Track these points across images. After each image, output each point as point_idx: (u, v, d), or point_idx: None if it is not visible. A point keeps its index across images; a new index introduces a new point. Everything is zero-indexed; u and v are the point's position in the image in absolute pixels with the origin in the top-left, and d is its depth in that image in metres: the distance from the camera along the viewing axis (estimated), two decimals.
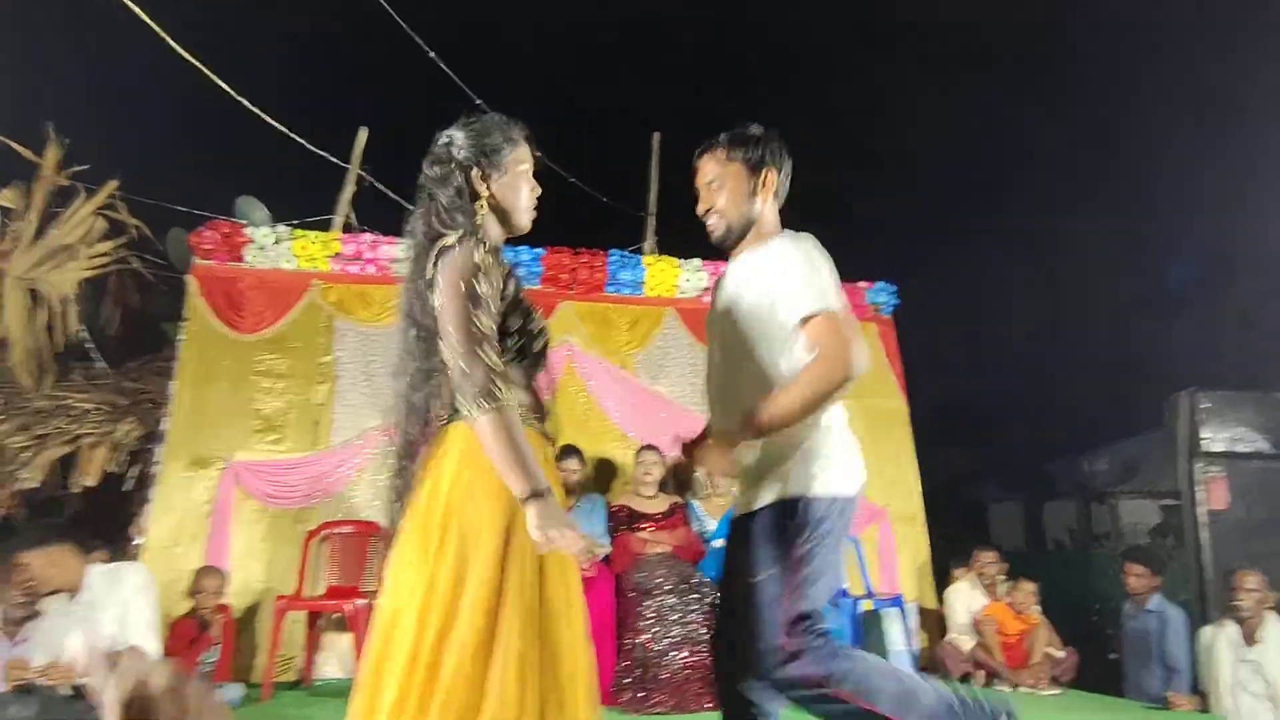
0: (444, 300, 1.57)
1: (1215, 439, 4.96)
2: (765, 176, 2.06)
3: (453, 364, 1.56)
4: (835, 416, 2.02)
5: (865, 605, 4.87)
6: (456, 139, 1.78)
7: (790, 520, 1.91)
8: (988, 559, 5.07)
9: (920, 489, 5.68)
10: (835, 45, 9.13)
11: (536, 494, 1.47)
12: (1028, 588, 4.90)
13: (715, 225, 2.11)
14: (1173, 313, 8.88)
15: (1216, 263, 8.77)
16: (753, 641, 1.88)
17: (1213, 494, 4.86)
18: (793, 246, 1.98)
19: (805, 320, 1.87)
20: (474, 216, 1.75)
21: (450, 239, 1.64)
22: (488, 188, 1.77)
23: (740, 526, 2.06)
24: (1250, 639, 4.14)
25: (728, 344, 2.08)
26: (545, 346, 1.79)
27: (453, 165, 1.76)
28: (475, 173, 1.76)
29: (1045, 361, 9.52)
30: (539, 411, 1.76)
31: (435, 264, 1.62)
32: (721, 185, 2.07)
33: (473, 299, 1.56)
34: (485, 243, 1.66)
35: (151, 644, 3.31)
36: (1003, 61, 9.03)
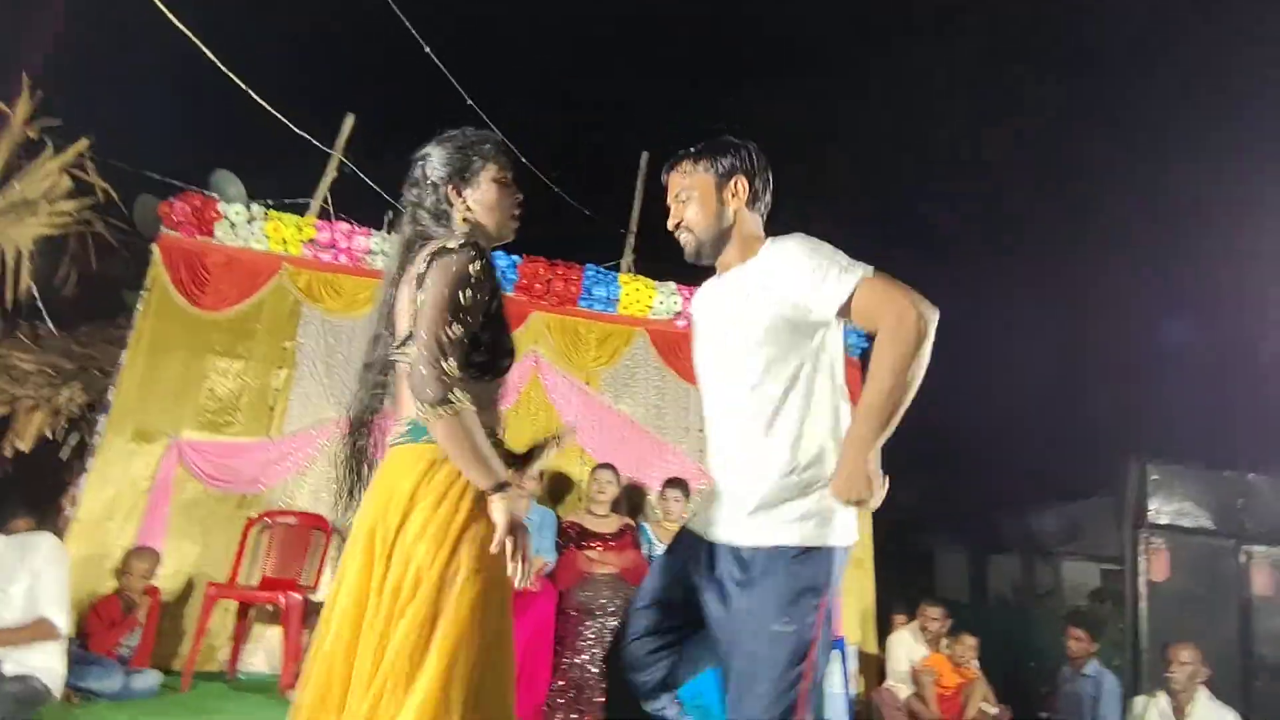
0: (428, 301, 1.58)
1: (1161, 511, 5.03)
2: (734, 184, 1.96)
3: (413, 367, 1.57)
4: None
5: None
6: (431, 157, 1.82)
7: (814, 570, 1.72)
8: (933, 614, 5.09)
9: (871, 533, 5.69)
10: (840, 75, 9.22)
11: (500, 485, 1.57)
12: (969, 642, 4.92)
13: (685, 240, 2.01)
14: (1134, 379, 9.06)
15: (1183, 337, 8.97)
16: (751, 695, 1.68)
17: (1154, 565, 4.93)
18: (791, 243, 1.83)
19: (847, 301, 1.71)
20: (464, 217, 1.80)
21: (452, 241, 1.65)
22: (464, 203, 1.81)
23: (730, 552, 1.80)
24: (1180, 712, 4.19)
25: (740, 369, 1.85)
26: (510, 365, 1.78)
27: (428, 184, 1.80)
28: (449, 189, 1.80)
29: (1003, 413, 9.65)
30: (493, 433, 1.72)
31: (430, 261, 1.63)
32: (689, 197, 1.98)
33: (454, 309, 1.57)
34: (485, 253, 1.66)
35: (60, 618, 3.19)
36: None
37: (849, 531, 1.80)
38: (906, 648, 5.07)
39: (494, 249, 1.94)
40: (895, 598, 5.72)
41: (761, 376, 1.81)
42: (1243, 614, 5.12)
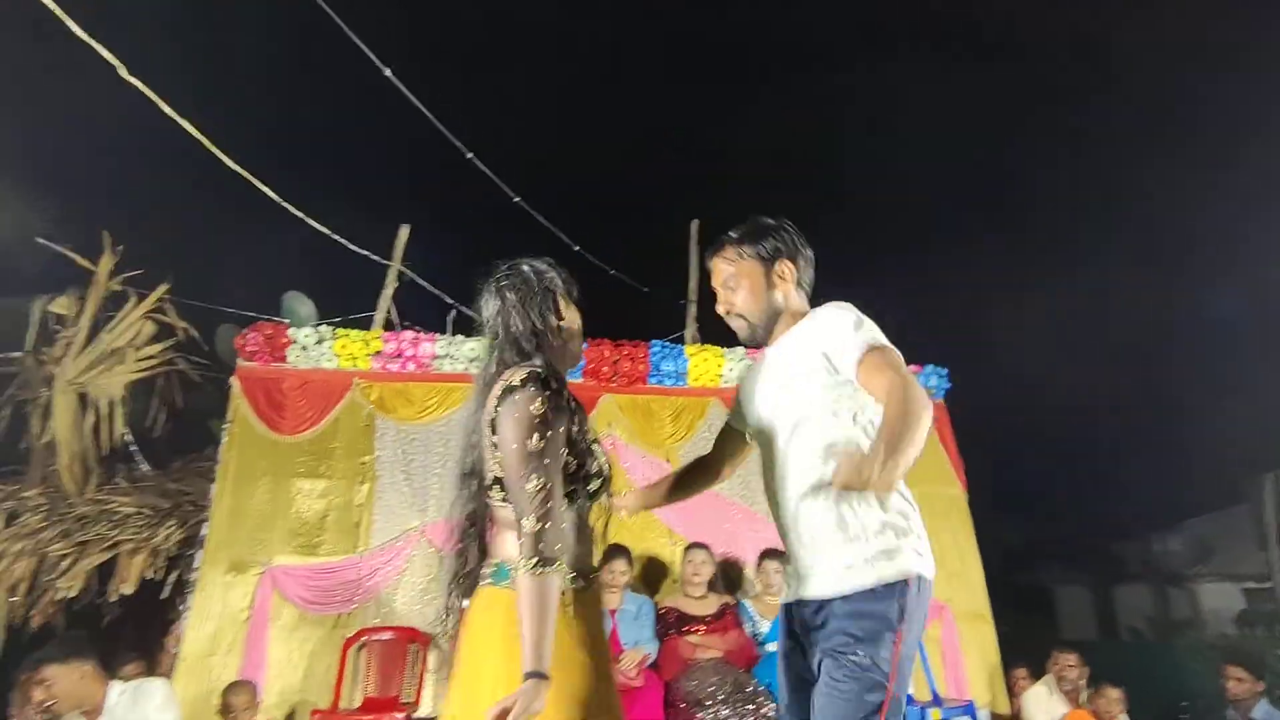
0: (508, 450, 1.59)
1: None
2: (780, 268, 1.99)
3: (516, 516, 1.58)
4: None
5: (933, 715, 4.53)
6: (536, 266, 1.82)
7: (886, 605, 1.74)
8: (1068, 662, 4.69)
9: (984, 582, 5.35)
10: (877, 135, 9.16)
11: (539, 675, 1.50)
12: (1113, 694, 4.52)
13: (739, 326, 2.05)
14: (1231, 390, 8.52)
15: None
16: None
17: None
18: (833, 310, 1.91)
19: (859, 361, 1.78)
20: (550, 343, 1.78)
21: (515, 378, 1.64)
22: (566, 315, 1.83)
23: (809, 607, 1.86)
24: None
25: (784, 424, 1.94)
26: (602, 487, 1.76)
27: (538, 290, 1.79)
28: (560, 299, 1.81)
29: (1102, 437, 9.17)
30: (586, 567, 1.71)
31: (500, 403, 1.63)
32: (737, 284, 2.01)
33: (538, 453, 1.57)
34: (550, 382, 1.65)
35: None
36: (1061, 119, 8.95)
37: (920, 563, 1.78)
38: (1044, 705, 4.68)
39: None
40: (1017, 645, 5.34)
41: (810, 430, 1.86)
42: None
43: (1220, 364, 9.04)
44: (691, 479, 2.33)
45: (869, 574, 1.74)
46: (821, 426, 1.85)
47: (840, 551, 1.78)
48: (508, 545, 1.67)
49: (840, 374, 1.83)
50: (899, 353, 1.82)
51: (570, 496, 1.67)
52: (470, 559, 1.72)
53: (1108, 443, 9.07)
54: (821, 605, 1.80)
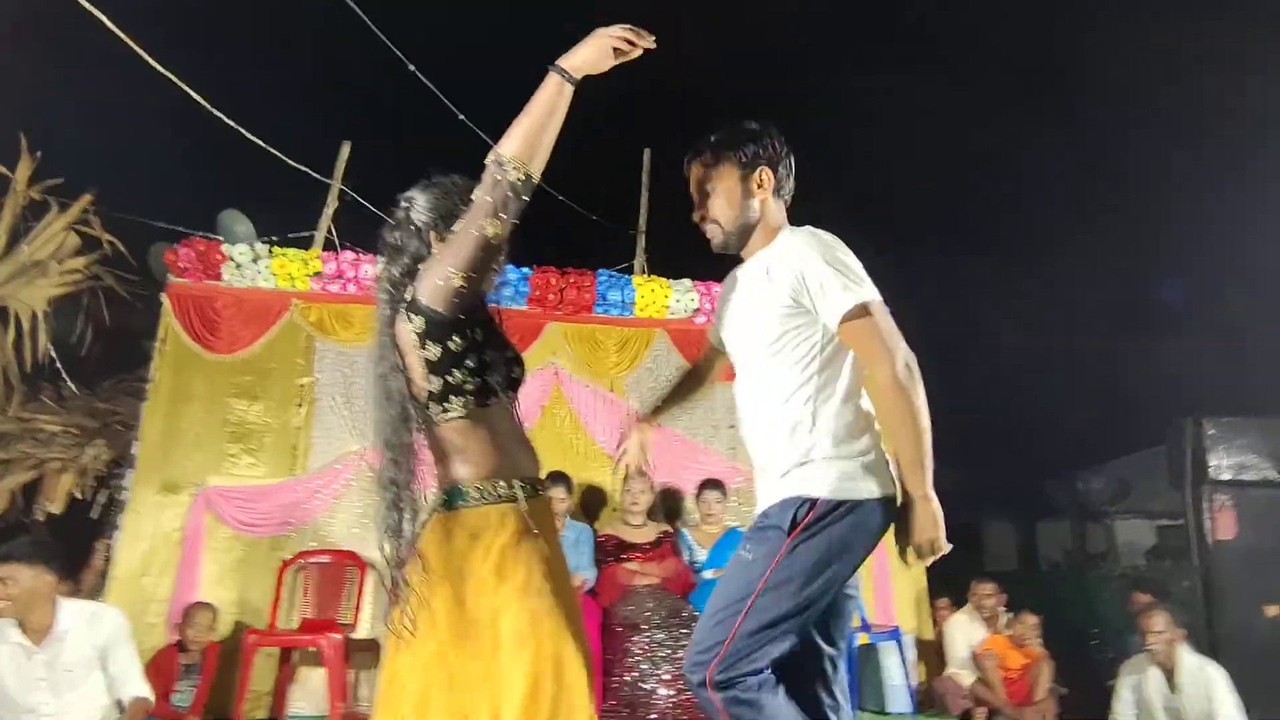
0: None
1: (1222, 466, 4.81)
2: (760, 175, 1.92)
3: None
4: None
5: (861, 639, 4.71)
6: (416, 202, 1.72)
7: (788, 514, 1.77)
8: (985, 591, 4.92)
9: None
10: (830, 64, 9.03)
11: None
12: (1029, 620, 4.75)
13: (712, 232, 1.97)
14: (1162, 333, 8.82)
15: (1209, 285, 8.71)
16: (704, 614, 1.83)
17: (1220, 523, 4.72)
18: (809, 237, 1.86)
19: (843, 319, 1.75)
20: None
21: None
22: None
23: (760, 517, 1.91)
24: (1171, 676, 4.05)
25: (750, 359, 1.93)
26: (522, 372, 1.76)
27: (411, 228, 1.71)
28: (433, 235, 1.71)
29: (1034, 379, 9.45)
30: (533, 476, 1.72)
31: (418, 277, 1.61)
32: (714, 189, 1.93)
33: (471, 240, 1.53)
34: None
35: (147, 690, 3.12)
36: (1001, 78, 8.96)
37: (842, 487, 1.77)
38: (964, 631, 4.90)
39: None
40: (944, 579, 5.55)
41: (776, 353, 1.84)
42: None
43: (1150, 315, 9.33)
44: (685, 391, 2.29)
45: (799, 486, 1.80)
46: (774, 370, 1.86)
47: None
48: (453, 469, 1.63)
49: (804, 308, 1.80)
50: (887, 311, 1.80)
51: (488, 387, 1.64)
52: (403, 489, 1.62)
53: (1042, 390, 9.35)
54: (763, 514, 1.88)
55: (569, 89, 1.50)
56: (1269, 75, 7.22)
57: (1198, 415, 4.91)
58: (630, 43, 1.55)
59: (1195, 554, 4.82)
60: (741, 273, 2.00)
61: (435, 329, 1.58)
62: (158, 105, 5.66)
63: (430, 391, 1.61)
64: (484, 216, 1.47)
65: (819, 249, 1.81)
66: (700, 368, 2.30)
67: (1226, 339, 8.22)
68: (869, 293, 1.77)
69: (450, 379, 1.60)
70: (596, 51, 1.53)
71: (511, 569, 1.56)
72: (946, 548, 1.74)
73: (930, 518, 1.72)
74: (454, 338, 1.59)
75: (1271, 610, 4.35)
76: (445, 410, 1.62)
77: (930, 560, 1.76)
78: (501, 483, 1.62)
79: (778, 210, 1.96)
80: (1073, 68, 8.91)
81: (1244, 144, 7.68)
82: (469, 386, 1.61)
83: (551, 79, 1.50)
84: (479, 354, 1.62)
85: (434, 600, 1.53)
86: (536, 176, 1.49)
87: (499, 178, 1.46)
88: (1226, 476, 4.81)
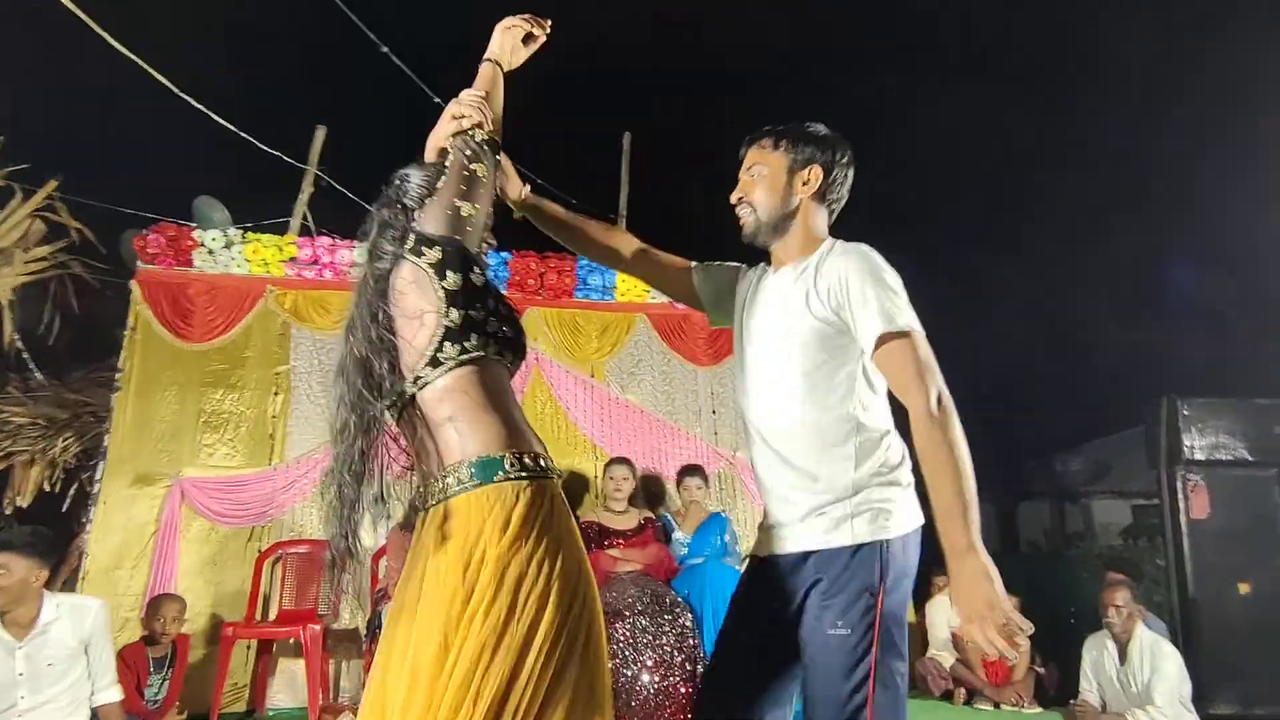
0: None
1: (1196, 446, 4.86)
2: (809, 172, 1.87)
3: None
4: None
5: None
6: (410, 178, 1.63)
7: (868, 568, 1.63)
8: None
9: None
10: (826, 55, 8.97)
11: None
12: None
13: (745, 215, 1.91)
14: (1140, 316, 8.90)
15: (1187, 268, 8.79)
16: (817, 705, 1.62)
17: (1194, 503, 4.77)
18: (862, 255, 1.76)
19: (880, 341, 1.65)
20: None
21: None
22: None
23: (789, 561, 1.74)
24: (1124, 650, 4.21)
25: (778, 374, 1.79)
26: (520, 336, 1.59)
27: (399, 208, 1.60)
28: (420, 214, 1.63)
29: (1015, 363, 9.51)
30: (538, 451, 1.50)
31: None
32: (759, 174, 1.89)
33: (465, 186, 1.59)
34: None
35: (118, 694, 3.15)
36: (989, 62, 8.95)
37: (904, 521, 1.69)
38: (945, 613, 4.95)
39: None
40: (927, 559, 5.59)
41: (811, 378, 1.74)
42: None
43: (1129, 298, 9.41)
44: (588, 237, 2.15)
45: (849, 533, 1.67)
46: (815, 393, 1.74)
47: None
48: (464, 445, 1.41)
49: (846, 325, 1.71)
50: (927, 343, 1.67)
51: (504, 338, 1.51)
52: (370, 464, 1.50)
53: (1022, 373, 9.41)
54: (796, 560, 1.72)
55: (499, 71, 1.82)
56: (1237, 49, 7.27)
57: (1173, 396, 4.95)
58: (531, 30, 1.85)
59: (1169, 533, 4.86)
60: (774, 279, 1.91)
61: (454, 257, 1.48)
62: (130, 91, 5.53)
63: (447, 328, 1.44)
64: (465, 161, 1.60)
65: (869, 267, 1.73)
66: (635, 247, 2.15)
67: (1204, 321, 8.30)
68: (912, 320, 1.68)
69: (473, 313, 1.46)
70: (499, 37, 1.83)
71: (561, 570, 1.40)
72: (1024, 622, 1.42)
73: (979, 575, 1.43)
74: (475, 269, 1.50)
75: (1244, 588, 4.41)
76: (463, 350, 1.45)
77: (1005, 640, 1.40)
78: (527, 457, 1.42)
79: (819, 216, 1.91)
80: (1042, 49, 8.93)
81: (1219, 126, 7.73)
82: (490, 327, 1.48)
83: (485, 64, 1.81)
84: (498, 300, 1.54)
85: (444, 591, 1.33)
86: (496, 134, 1.69)
87: (466, 140, 1.63)
88: (1201, 457, 4.85)
